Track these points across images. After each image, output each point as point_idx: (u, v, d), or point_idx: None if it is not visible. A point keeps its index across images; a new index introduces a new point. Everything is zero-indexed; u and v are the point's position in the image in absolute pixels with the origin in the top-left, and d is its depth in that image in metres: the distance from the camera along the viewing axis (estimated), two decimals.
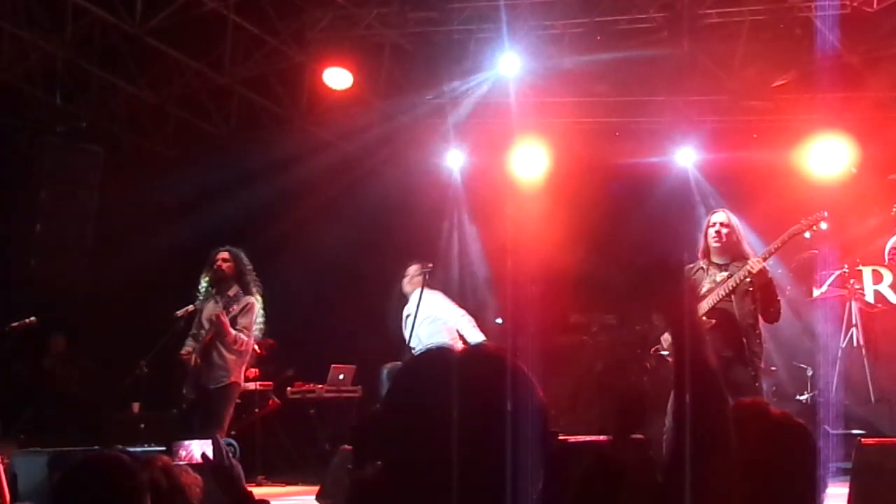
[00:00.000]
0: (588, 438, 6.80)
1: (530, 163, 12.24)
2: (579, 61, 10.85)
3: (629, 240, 11.35)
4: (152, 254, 11.56)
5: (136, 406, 10.84)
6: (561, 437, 6.76)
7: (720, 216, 7.27)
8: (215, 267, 8.51)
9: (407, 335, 9.14)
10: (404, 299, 9.43)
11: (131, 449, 9.85)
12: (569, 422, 11.29)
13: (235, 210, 11.87)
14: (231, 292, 8.46)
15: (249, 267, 8.62)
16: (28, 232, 11.67)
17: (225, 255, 8.56)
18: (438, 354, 1.99)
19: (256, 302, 8.51)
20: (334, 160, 12.47)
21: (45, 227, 11.69)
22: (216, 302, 8.46)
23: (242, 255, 8.63)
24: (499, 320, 12.11)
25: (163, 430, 9.72)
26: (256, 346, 11.05)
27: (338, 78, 11.16)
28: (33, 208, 11.69)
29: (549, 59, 10.88)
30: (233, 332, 8.27)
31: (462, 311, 9.62)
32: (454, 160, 12.94)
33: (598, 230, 11.83)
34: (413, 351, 8.72)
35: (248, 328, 8.40)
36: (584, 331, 12.16)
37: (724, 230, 7.14)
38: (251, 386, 10.82)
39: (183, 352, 8.49)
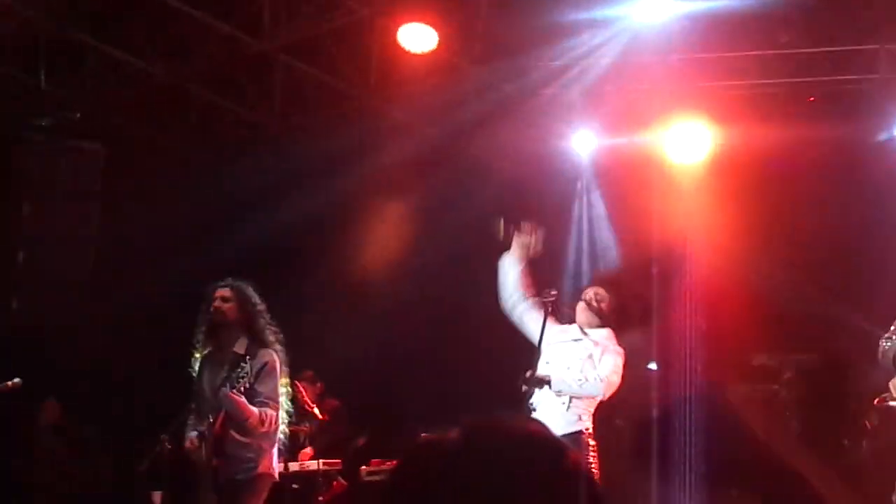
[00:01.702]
0: None
1: (689, 143, 12.12)
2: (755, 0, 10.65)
3: (836, 246, 11.38)
4: (171, 285, 11.59)
5: (157, 497, 10.84)
6: None
7: None
8: (212, 309, 8.32)
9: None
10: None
11: None
12: None
13: (281, 223, 11.91)
14: (238, 347, 8.30)
15: (261, 307, 8.40)
16: (8, 262, 11.79)
17: (224, 292, 8.34)
18: (435, 444, 2.15)
19: (276, 355, 8.35)
20: (415, 150, 12.46)
21: (31, 255, 11.79)
22: (218, 364, 8.32)
23: (250, 289, 8.41)
24: (652, 365, 11.98)
25: None
26: (317, 410, 11.05)
27: (418, 37, 11.13)
28: (14, 229, 11.81)
29: None
30: (255, 411, 8.09)
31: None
32: (583, 143, 12.85)
33: (788, 234, 11.84)
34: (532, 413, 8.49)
35: (272, 397, 8.23)
36: (775, 377, 12.11)
37: None
38: (312, 465, 10.80)
39: (188, 440, 8.36)
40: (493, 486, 1.97)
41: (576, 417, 8.35)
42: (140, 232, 12.14)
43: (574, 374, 8.38)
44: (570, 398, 8.39)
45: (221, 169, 12.18)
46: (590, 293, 8.80)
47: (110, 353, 11.95)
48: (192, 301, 10.46)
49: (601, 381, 8.37)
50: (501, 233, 8.77)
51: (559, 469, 2.02)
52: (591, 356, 8.51)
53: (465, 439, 2.08)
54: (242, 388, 7.91)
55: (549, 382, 8.34)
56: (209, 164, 12.44)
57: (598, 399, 8.48)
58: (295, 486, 10.88)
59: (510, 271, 8.77)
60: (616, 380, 8.49)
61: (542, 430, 2.15)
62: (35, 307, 11.78)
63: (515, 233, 8.78)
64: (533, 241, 8.78)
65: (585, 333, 8.66)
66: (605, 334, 8.65)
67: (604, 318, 8.68)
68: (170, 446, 9.71)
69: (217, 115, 12.65)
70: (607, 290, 8.82)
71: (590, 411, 8.48)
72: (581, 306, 8.72)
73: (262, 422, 8.05)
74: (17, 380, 9.55)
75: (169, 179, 12.33)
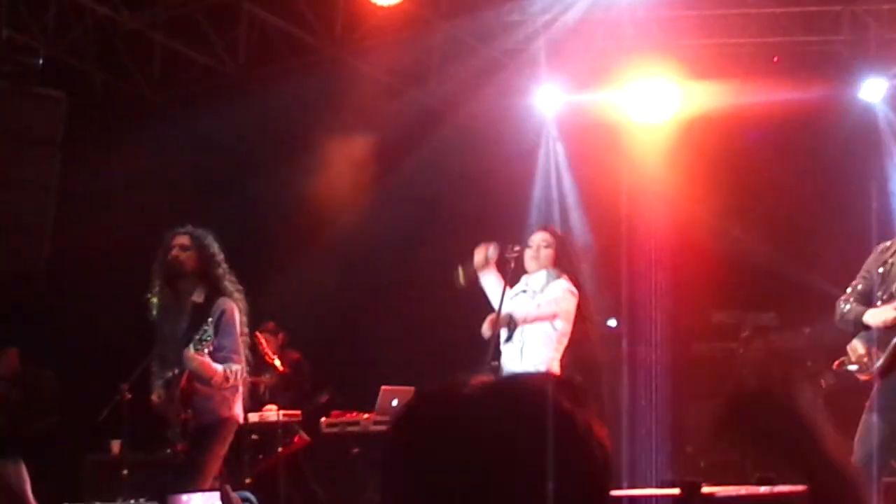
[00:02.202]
0: (741, 491, 6.71)
1: (653, 102, 12.16)
2: None
3: (792, 207, 11.38)
4: (133, 231, 11.54)
5: (116, 445, 10.87)
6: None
7: None
8: (170, 258, 8.19)
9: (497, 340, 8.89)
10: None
11: None
12: (712, 463, 11.22)
13: (244, 175, 11.87)
14: (196, 296, 8.23)
15: (220, 256, 8.24)
16: None
17: (183, 240, 8.19)
18: (444, 395, 2.07)
19: (235, 304, 8.30)
20: (379, 104, 12.43)
21: None
22: (177, 312, 8.29)
23: (209, 238, 8.24)
24: (612, 322, 12.06)
25: (153, 478, 9.72)
26: (278, 362, 11.07)
27: None
28: None
29: None
30: (219, 369, 8.05)
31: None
32: (547, 100, 12.84)
33: (748, 194, 11.88)
34: (496, 368, 8.53)
35: (234, 350, 8.18)
36: (732, 335, 12.12)
37: None
38: (272, 416, 10.81)
39: (154, 397, 8.34)
40: (509, 436, 1.96)
41: (543, 366, 8.31)
42: (102, 180, 12.08)
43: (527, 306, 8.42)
44: (532, 347, 8.41)
45: (184, 118, 12.09)
46: (536, 238, 8.70)
47: (70, 296, 11.93)
48: (151, 248, 10.50)
49: (555, 300, 8.38)
50: (462, 278, 8.67)
51: (589, 438, 2.01)
52: (536, 292, 8.54)
53: (481, 389, 2.06)
54: (206, 350, 7.90)
55: (511, 317, 8.37)
56: (173, 112, 12.37)
57: (559, 330, 8.45)
58: (254, 436, 10.89)
59: (492, 287, 8.68)
60: (570, 298, 8.46)
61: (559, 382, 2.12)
62: None
63: (469, 263, 8.68)
64: (486, 252, 8.69)
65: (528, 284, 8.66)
66: (546, 275, 8.59)
67: (549, 264, 8.59)
68: (129, 395, 9.77)
69: (182, 63, 12.56)
70: (553, 236, 8.78)
71: (557, 358, 8.50)
72: (529, 254, 8.58)
73: (226, 378, 8.02)
74: None
75: (131, 127, 12.26)
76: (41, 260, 11.92)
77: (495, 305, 8.48)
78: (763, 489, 6.99)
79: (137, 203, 11.98)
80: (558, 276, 8.56)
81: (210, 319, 7.91)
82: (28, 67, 11.80)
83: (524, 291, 8.61)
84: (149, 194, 12.03)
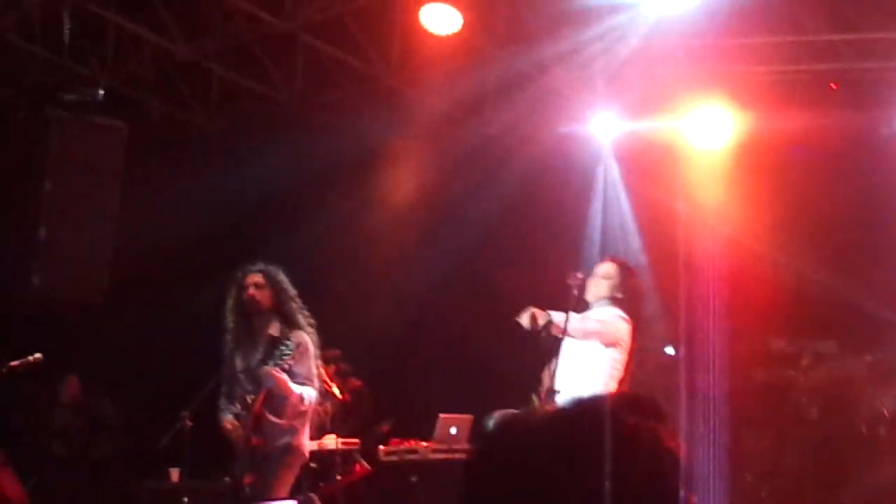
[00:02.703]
0: None
1: (711, 129, 12.11)
2: None
3: (851, 234, 11.41)
4: (191, 261, 11.67)
5: (175, 473, 10.92)
6: None
7: None
8: (246, 297, 8.42)
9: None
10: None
11: None
12: (772, 492, 11.16)
13: (303, 205, 11.91)
14: (272, 330, 8.40)
15: (292, 291, 8.52)
16: (30, 237, 11.83)
17: (257, 278, 8.43)
18: (517, 423, 2.15)
19: (308, 337, 8.46)
20: (435, 132, 12.48)
21: (52, 231, 11.82)
22: (251, 347, 8.42)
23: (281, 274, 8.51)
24: (669, 350, 11.98)
25: None
26: (337, 390, 11.12)
27: (441, 18, 11.13)
28: (36, 205, 11.84)
29: None
30: (296, 389, 8.22)
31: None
32: (603, 127, 12.78)
33: (806, 221, 11.76)
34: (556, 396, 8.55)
35: (309, 378, 8.37)
36: (792, 363, 12.06)
37: None
38: (330, 445, 10.83)
39: (226, 423, 8.46)
40: (583, 461, 1.97)
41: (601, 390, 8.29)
42: (160, 210, 12.19)
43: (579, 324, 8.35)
44: (586, 374, 8.39)
45: (242, 146, 12.20)
46: (601, 269, 8.70)
47: (130, 332, 12.03)
48: (212, 281, 10.61)
49: (601, 322, 8.38)
50: (526, 321, 8.43)
51: (656, 448, 2.02)
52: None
53: (554, 415, 2.10)
54: (286, 366, 8.04)
55: (550, 320, 8.23)
56: (230, 141, 12.47)
57: (613, 358, 8.42)
58: (313, 465, 10.91)
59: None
60: (620, 325, 8.44)
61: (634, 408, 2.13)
62: (56, 284, 11.83)
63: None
64: (529, 316, 8.42)
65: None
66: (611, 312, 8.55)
67: (613, 292, 8.58)
68: (190, 423, 9.84)
69: (239, 93, 12.68)
70: (617, 266, 8.74)
71: (614, 387, 8.47)
72: (592, 282, 8.58)
73: (302, 399, 8.22)
74: (38, 355, 9.66)
75: (190, 157, 12.37)
76: (101, 289, 12.02)
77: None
78: None
79: (195, 233, 12.06)
80: (614, 306, 8.58)
81: (288, 342, 8.09)
82: (89, 98, 11.95)
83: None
84: (206, 224, 12.10)
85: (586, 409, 2.10)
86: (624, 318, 8.51)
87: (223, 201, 12.15)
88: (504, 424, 2.19)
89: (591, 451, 1.95)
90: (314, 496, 8.89)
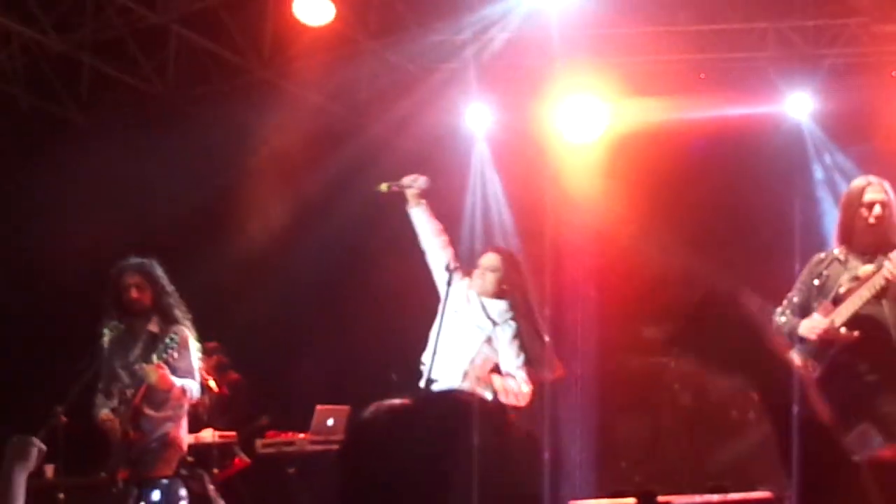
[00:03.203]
0: (697, 499, 6.77)
1: (583, 120, 12.22)
2: None
3: (722, 221, 11.48)
4: (60, 264, 11.52)
5: (50, 469, 10.77)
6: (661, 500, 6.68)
7: (876, 191, 7.11)
8: (128, 299, 8.30)
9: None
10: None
11: None
12: (648, 476, 11.32)
13: (176, 200, 11.82)
14: (152, 326, 8.35)
15: (169, 287, 8.41)
16: None
17: (136, 279, 8.29)
18: (392, 412, 2.18)
19: (188, 331, 8.42)
20: (309, 126, 12.45)
21: None
22: (130, 342, 8.37)
23: (158, 269, 8.40)
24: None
25: (89, 502, 9.67)
26: (213, 383, 11.07)
27: (313, 9, 11.10)
28: None
29: None
30: (178, 383, 8.17)
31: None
32: (477, 120, 12.88)
33: (677, 210, 11.85)
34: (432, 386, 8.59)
35: (190, 372, 8.33)
36: (664, 349, 12.15)
37: (881, 210, 7.02)
38: (207, 438, 10.77)
39: (103, 416, 8.38)
40: (445, 445, 2.03)
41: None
42: (26, 207, 12.02)
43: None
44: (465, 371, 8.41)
45: (112, 141, 12.03)
46: (485, 260, 8.48)
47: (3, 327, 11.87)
48: (87, 277, 10.48)
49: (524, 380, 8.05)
50: (384, 187, 8.63)
51: (508, 432, 2.10)
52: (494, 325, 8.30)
53: (417, 405, 2.17)
54: (170, 360, 7.98)
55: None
56: (100, 135, 12.30)
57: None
58: (189, 458, 10.84)
59: (419, 219, 8.66)
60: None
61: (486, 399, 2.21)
62: None
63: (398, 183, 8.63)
64: (412, 180, 8.65)
65: (483, 306, 8.61)
66: (502, 307, 8.39)
67: (500, 284, 8.37)
68: (65, 419, 9.71)
69: (109, 85, 12.51)
70: (502, 260, 8.54)
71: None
72: (476, 273, 8.40)
73: (184, 393, 8.18)
74: None
75: (57, 151, 12.19)
76: None
77: (423, 245, 8.53)
78: (717, 497, 6.97)
79: (59, 228, 11.86)
80: (502, 298, 8.53)
81: (173, 337, 8.03)
82: None
83: (480, 327, 8.46)
84: (76, 223, 11.94)
85: (448, 398, 2.19)
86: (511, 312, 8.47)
87: (91, 196, 11.98)
88: (372, 415, 2.28)
89: (449, 438, 2.03)
90: (203, 472, 8.83)
